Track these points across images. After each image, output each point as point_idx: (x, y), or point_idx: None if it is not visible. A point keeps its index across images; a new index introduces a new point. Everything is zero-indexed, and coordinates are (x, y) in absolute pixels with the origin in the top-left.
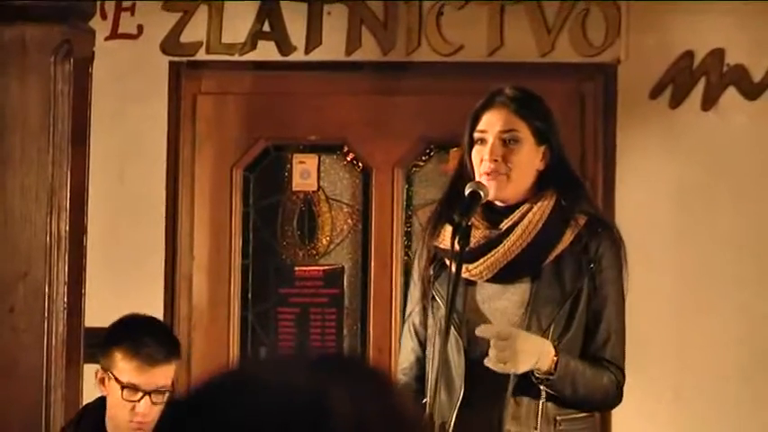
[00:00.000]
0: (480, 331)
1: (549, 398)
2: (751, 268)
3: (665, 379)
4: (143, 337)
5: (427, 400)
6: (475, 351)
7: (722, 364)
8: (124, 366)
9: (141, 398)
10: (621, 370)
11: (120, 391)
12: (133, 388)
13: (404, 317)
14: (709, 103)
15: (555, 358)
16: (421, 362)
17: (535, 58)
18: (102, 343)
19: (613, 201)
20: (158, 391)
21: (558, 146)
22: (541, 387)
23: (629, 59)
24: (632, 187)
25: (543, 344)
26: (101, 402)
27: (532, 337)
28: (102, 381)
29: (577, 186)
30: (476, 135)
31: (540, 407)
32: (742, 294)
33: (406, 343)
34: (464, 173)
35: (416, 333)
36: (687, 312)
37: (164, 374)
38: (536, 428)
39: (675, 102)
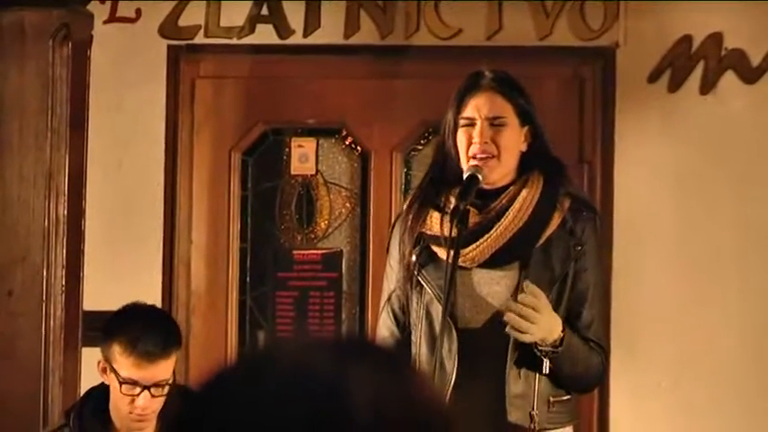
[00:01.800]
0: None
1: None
2: (751, 252)
3: (664, 366)
4: (141, 331)
5: None
6: (465, 335)
7: (722, 351)
8: (123, 361)
9: (140, 392)
10: (606, 351)
11: (119, 385)
12: (132, 383)
13: None
14: (707, 87)
15: (561, 333)
16: (401, 346)
17: (533, 42)
18: (103, 334)
19: (612, 185)
20: (157, 385)
21: (539, 126)
22: (544, 360)
23: (627, 43)
24: (630, 171)
25: (556, 318)
26: (105, 387)
27: (551, 311)
28: (104, 370)
29: (559, 167)
30: (462, 121)
31: (536, 387)
32: (742, 279)
33: (385, 327)
34: (446, 156)
35: (396, 318)
36: (686, 298)
37: (163, 369)
38: (533, 409)
39: (674, 86)
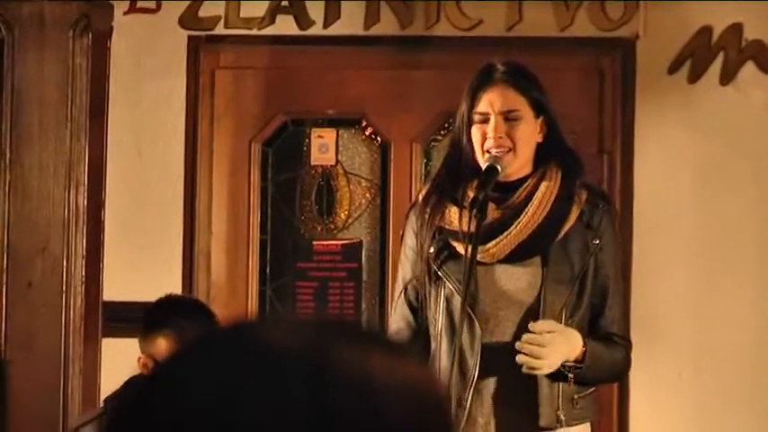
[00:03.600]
0: (533, 326)
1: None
2: None
3: (685, 355)
4: (187, 322)
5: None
6: (487, 330)
7: (741, 341)
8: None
9: None
10: (630, 342)
11: None
12: None
13: None
14: (727, 77)
15: (583, 348)
16: (417, 336)
17: (554, 33)
18: (144, 328)
19: (632, 176)
20: None
21: (553, 116)
22: (569, 375)
23: (647, 34)
24: (651, 162)
25: (575, 338)
26: (146, 377)
27: (566, 335)
28: (145, 366)
29: (575, 158)
30: (476, 116)
31: (560, 387)
32: (762, 268)
33: (402, 317)
34: (461, 151)
35: (412, 309)
36: (707, 287)
37: None
38: (559, 409)
39: (694, 76)
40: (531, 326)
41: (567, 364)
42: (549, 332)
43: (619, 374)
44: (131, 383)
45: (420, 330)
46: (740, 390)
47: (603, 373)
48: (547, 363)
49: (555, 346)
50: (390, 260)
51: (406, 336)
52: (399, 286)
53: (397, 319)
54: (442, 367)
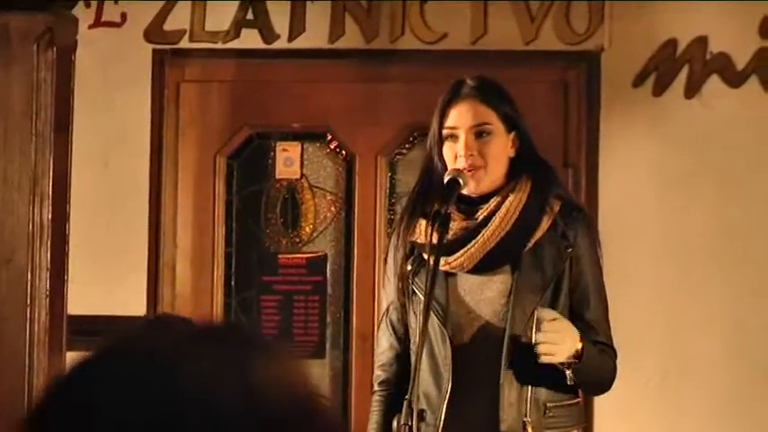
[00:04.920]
0: (541, 313)
1: (539, 384)
2: (735, 253)
3: (653, 363)
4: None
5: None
6: (460, 342)
7: (709, 347)
8: None
9: None
10: (615, 350)
11: None
12: None
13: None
14: (692, 90)
15: (581, 344)
16: (401, 359)
17: (519, 46)
18: None
19: (597, 188)
20: None
21: (525, 131)
22: (567, 372)
23: (612, 47)
24: (616, 175)
25: (575, 332)
26: None
27: (568, 322)
28: None
29: (548, 170)
30: (445, 131)
31: (529, 394)
32: (726, 279)
33: (384, 339)
34: (433, 166)
35: (395, 330)
36: (672, 297)
37: None
38: (526, 416)
39: (659, 89)
40: (538, 313)
41: (566, 360)
42: (554, 319)
43: (607, 381)
44: None
45: (403, 350)
46: (708, 398)
47: (594, 376)
48: (562, 348)
49: (567, 332)
50: (355, 273)
51: (390, 357)
52: (383, 307)
53: (381, 340)
54: (423, 381)
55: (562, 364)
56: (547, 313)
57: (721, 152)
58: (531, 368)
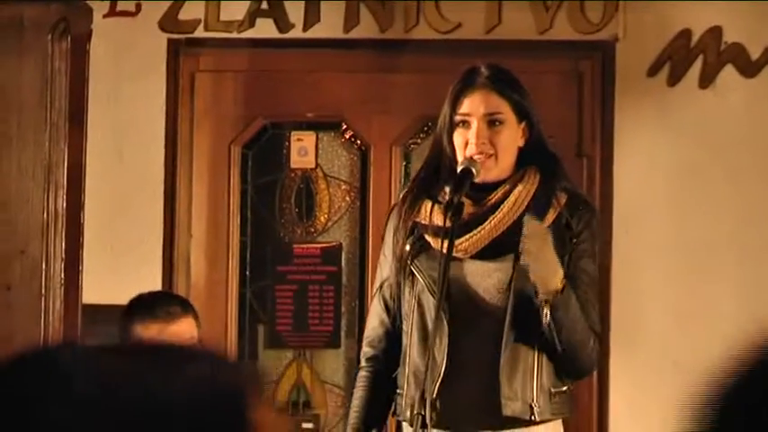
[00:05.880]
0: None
1: (542, 347)
2: (748, 243)
3: (665, 354)
4: (155, 302)
5: (399, 372)
6: (458, 325)
7: (721, 338)
8: (147, 334)
9: None
10: (599, 337)
11: None
12: None
13: None
14: (706, 80)
15: (561, 285)
16: (390, 335)
17: (533, 36)
18: (120, 326)
19: (611, 178)
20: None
21: (536, 121)
22: (544, 309)
23: (626, 37)
24: (630, 165)
25: (558, 264)
26: None
27: (557, 260)
28: None
29: (556, 162)
30: (458, 118)
31: (537, 379)
32: (739, 268)
33: (376, 316)
34: (442, 152)
35: (387, 308)
36: (685, 287)
37: (187, 327)
38: (533, 401)
39: (673, 79)
40: (526, 221)
41: (544, 296)
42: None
43: (587, 359)
44: None
45: (394, 328)
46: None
47: (570, 330)
48: (544, 264)
49: (552, 260)
50: (370, 263)
51: (380, 334)
52: (376, 285)
53: (372, 317)
54: (414, 363)
55: (540, 300)
56: (536, 224)
57: (735, 141)
58: (532, 327)
